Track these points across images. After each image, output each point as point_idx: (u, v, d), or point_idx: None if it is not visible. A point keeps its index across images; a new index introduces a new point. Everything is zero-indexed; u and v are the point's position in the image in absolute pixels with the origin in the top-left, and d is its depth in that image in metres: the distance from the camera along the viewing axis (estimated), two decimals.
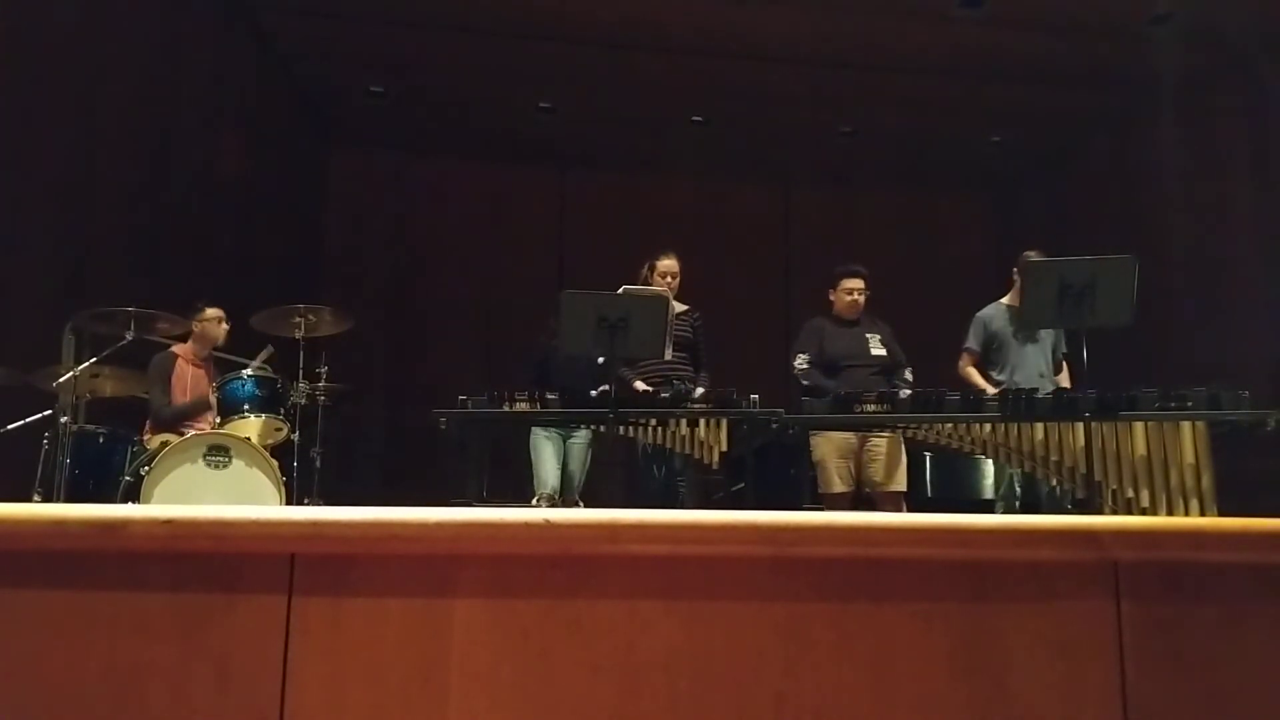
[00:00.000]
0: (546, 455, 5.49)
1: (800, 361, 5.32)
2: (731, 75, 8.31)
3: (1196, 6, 6.94)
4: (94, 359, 4.63)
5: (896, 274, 9.03)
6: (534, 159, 9.84)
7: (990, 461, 5.82)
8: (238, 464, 4.57)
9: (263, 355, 5.09)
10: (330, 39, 7.93)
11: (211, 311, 5.33)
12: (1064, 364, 5.41)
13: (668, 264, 5.42)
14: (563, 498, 5.49)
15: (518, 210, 9.90)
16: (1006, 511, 5.09)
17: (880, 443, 5.14)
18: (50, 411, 4.61)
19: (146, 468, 4.50)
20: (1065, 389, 5.18)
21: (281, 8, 7.62)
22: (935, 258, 10.15)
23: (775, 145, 9.67)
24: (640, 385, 5.13)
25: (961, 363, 5.33)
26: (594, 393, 4.78)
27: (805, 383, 5.25)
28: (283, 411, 5.02)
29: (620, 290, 4.74)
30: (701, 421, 4.55)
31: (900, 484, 5.18)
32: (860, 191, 10.45)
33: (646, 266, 5.44)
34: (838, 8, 7.33)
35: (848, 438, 5.16)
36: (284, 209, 8.60)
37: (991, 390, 4.97)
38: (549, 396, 4.65)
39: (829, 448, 5.19)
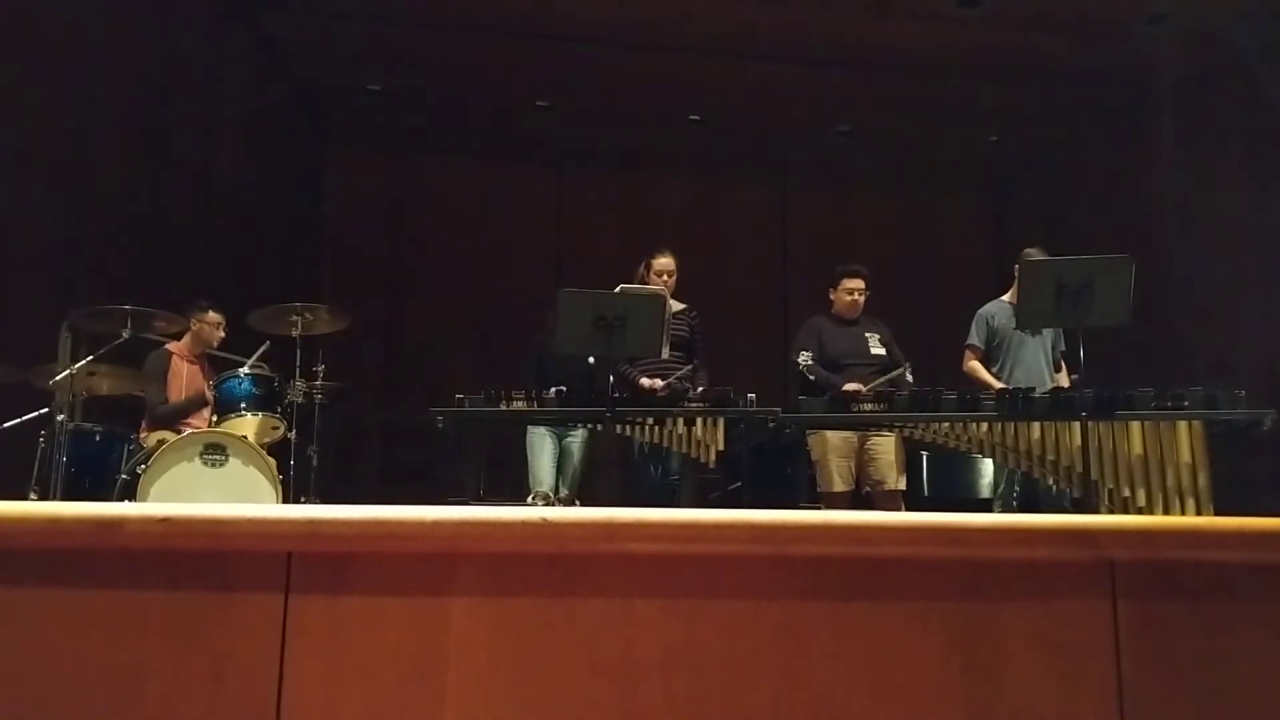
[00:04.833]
0: (542, 454, 5.49)
1: (804, 358, 5.31)
2: (728, 74, 8.31)
3: (1193, 6, 6.95)
4: (90, 357, 4.62)
5: (893, 273, 9.05)
6: (531, 157, 9.84)
7: (987, 460, 5.83)
8: (234, 462, 4.57)
9: (259, 352, 5.08)
10: (328, 37, 7.92)
11: (214, 315, 5.33)
12: (1062, 363, 5.42)
13: (664, 262, 5.42)
14: (559, 496, 5.49)
15: (515, 208, 9.90)
16: (1005, 511, 5.10)
17: (880, 442, 5.15)
18: (47, 409, 4.60)
19: (143, 466, 4.50)
20: (1063, 388, 5.19)
21: (279, 6, 7.61)
22: (932, 257, 10.16)
23: (772, 144, 9.67)
24: (646, 382, 5.11)
25: (966, 359, 5.34)
26: (591, 359, 4.79)
27: (811, 377, 5.24)
28: (279, 410, 5.02)
29: (618, 289, 4.74)
30: (698, 420, 4.55)
31: (900, 483, 5.19)
32: (857, 191, 10.46)
33: (643, 265, 5.45)
34: (834, 7, 7.33)
35: (848, 437, 5.16)
36: (281, 206, 8.59)
37: (998, 385, 4.98)
38: (546, 395, 4.66)
39: (828, 446, 5.19)
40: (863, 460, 5.20)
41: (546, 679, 1.38)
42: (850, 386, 4.96)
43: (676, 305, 5.34)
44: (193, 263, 6.72)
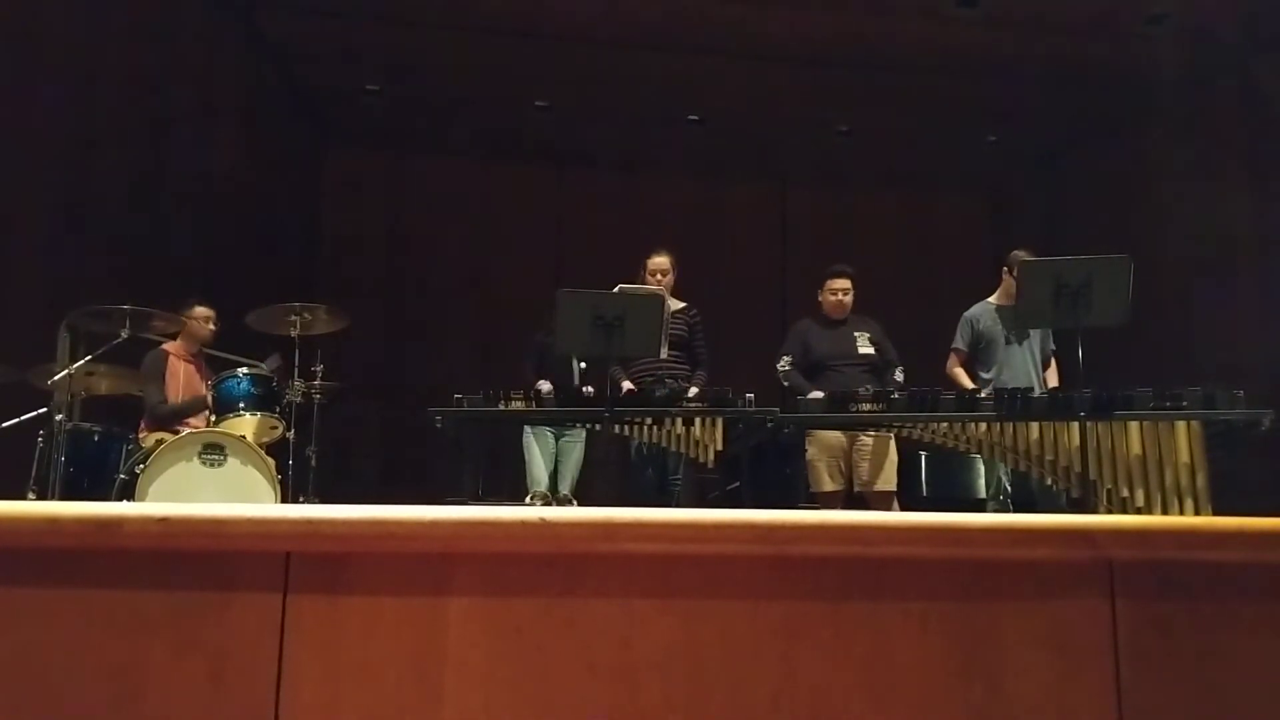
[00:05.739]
0: (538, 454, 5.49)
1: (783, 364, 5.34)
2: (728, 74, 8.31)
3: (1193, 6, 6.95)
4: (89, 357, 4.62)
5: (892, 273, 9.06)
6: (531, 157, 9.83)
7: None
8: (233, 462, 4.57)
9: (273, 366, 5.08)
10: (326, 37, 7.92)
11: (200, 310, 5.32)
12: (1053, 360, 5.41)
13: (657, 261, 5.41)
14: (557, 496, 5.49)
15: (514, 209, 9.89)
16: (998, 509, 5.10)
17: (869, 441, 5.16)
18: (45, 409, 4.60)
19: (141, 465, 4.49)
20: (1056, 387, 5.19)
21: (277, 6, 7.60)
22: (931, 257, 10.15)
23: (771, 144, 9.67)
24: (627, 385, 5.11)
25: (949, 363, 5.34)
26: (583, 365, 4.81)
27: (786, 384, 5.26)
28: (278, 410, 5.01)
29: (616, 289, 4.74)
30: (697, 420, 4.55)
31: (890, 483, 5.19)
32: (856, 191, 10.46)
33: (643, 265, 5.45)
34: (833, 7, 7.33)
35: (836, 437, 5.17)
36: (280, 207, 8.59)
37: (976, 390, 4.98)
38: (543, 395, 4.66)
39: (818, 447, 5.20)
40: (853, 460, 5.21)
41: (545, 679, 1.38)
42: (814, 395, 4.91)
43: (676, 304, 5.33)
44: (191, 263, 6.72)
